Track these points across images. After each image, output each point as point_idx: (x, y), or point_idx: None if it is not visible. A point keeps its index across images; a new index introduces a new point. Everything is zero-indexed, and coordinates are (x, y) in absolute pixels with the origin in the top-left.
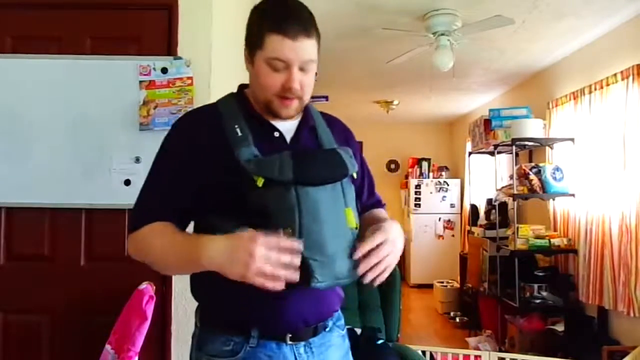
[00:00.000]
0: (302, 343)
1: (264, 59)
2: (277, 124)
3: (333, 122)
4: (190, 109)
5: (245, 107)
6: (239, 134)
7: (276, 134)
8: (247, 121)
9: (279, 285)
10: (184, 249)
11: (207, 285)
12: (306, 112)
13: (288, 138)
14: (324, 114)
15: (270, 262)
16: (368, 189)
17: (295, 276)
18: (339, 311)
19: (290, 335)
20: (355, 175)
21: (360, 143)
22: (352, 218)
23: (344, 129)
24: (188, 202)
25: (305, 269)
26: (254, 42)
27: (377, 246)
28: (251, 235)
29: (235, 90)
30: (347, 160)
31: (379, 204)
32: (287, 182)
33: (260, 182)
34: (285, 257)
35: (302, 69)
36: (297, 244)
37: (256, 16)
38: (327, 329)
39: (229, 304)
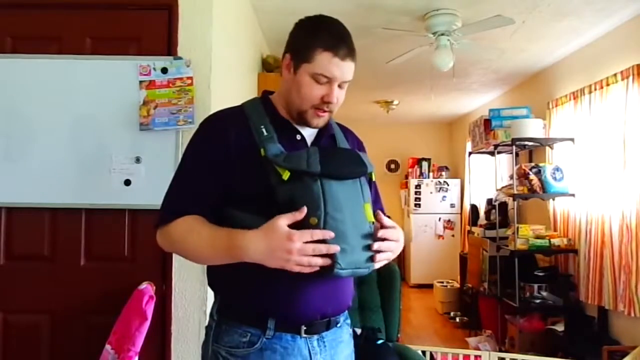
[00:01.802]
0: (316, 337)
1: (310, 73)
2: (300, 128)
3: (347, 132)
4: (190, 108)
5: (271, 111)
6: (265, 133)
7: (298, 137)
8: (272, 123)
9: (315, 269)
10: (222, 244)
11: (226, 277)
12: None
13: (309, 142)
14: (339, 124)
15: (307, 253)
16: (375, 196)
17: (328, 261)
18: (347, 311)
19: (305, 328)
20: (373, 176)
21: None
22: (370, 213)
23: (357, 139)
24: (217, 196)
25: (328, 256)
26: (302, 55)
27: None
28: (288, 234)
29: (233, 89)
30: (366, 160)
31: (382, 212)
32: (314, 174)
33: (286, 175)
34: (321, 247)
35: (340, 86)
36: (330, 233)
37: (307, 31)
38: (339, 325)
39: (247, 296)
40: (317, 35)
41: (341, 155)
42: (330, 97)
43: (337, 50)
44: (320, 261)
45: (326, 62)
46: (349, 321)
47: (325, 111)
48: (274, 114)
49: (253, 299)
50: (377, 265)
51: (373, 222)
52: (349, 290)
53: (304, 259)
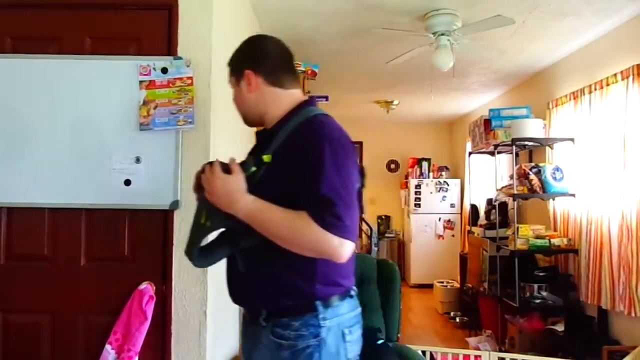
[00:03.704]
0: (247, 326)
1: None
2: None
3: (297, 130)
4: (190, 108)
5: None
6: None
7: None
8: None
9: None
10: None
11: None
12: (282, 120)
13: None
14: (303, 122)
15: None
16: (301, 191)
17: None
18: (290, 316)
19: (242, 312)
20: (265, 159)
21: (360, 143)
22: (203, 216)
23: (298, 140)
24: None
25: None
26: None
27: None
28: None
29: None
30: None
31: (305, 209)
32: None
33: None
34: None
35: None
36: None
37: None
38: (258, 324)
39: None
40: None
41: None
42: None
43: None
44: None
45: None
46: (283, 331)
47: None
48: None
49: None
50: (203, 222)
51: (203, 223)
52: (257, 291)
53: None
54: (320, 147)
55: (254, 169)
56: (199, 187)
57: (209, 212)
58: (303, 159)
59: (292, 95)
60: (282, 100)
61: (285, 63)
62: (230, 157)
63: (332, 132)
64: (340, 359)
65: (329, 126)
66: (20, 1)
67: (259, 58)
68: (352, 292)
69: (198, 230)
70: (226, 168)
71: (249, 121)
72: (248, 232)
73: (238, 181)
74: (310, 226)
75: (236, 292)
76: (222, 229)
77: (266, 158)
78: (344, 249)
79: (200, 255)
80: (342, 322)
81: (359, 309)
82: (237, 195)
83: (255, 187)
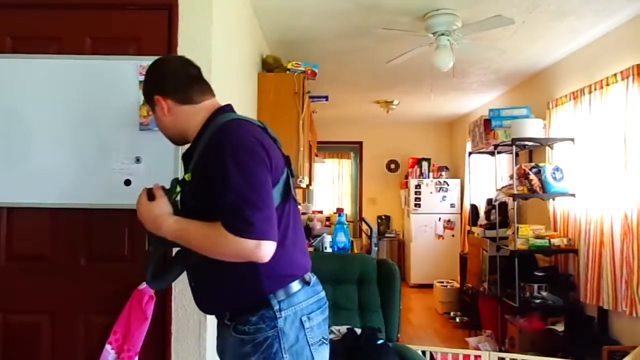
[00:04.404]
0: (218, 324)
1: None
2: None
3: (209, 138)
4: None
5: None
6: None
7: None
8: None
9: None
10: None
11: None
12: (199, 133)
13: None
14: (215, 130)
15: None
16: (215, 201)
17: None
18: (247, 312)
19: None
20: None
21: (360, 143)
22: (147, 243)
23: (207, 150)
24: None
25: None
26: None
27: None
28: None
29: (233, 89)
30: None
31: (221, 218)
32: None
33: None
34: None
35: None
36: None
37: None
38: (227, 324)
39: None
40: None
41: None
42: None
43: None
44: None
45: None
46: (243, 327)
47: None
48: None
49: None
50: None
51: (148, 249)
52: (211, 300)
53: None
54: (223, 155)
55: (178, 189)
56: None
57: (149, 237)
58: (211, 170)
59: (205, 107)
60: (196, 115)
61: (188, 79)
62: (155, 184)
63: (235, 136)
64: (301, 346)
65: (233, 131)
66: (20, 1)
67: (162, 82)
68: (308, 279)
69: (147, 255)
70: (151, 194)
71: (175, 141)
72: (189, 251)
73: (160, 206)
74: (225, 236)
75: (198, 303)
76: (171, 250)
77: (187, 177)
78: (262, 249)
79: (154, 278)
80: (299, 310)
81: (321, 294)
82: (161, 220)
83: (181, 206)
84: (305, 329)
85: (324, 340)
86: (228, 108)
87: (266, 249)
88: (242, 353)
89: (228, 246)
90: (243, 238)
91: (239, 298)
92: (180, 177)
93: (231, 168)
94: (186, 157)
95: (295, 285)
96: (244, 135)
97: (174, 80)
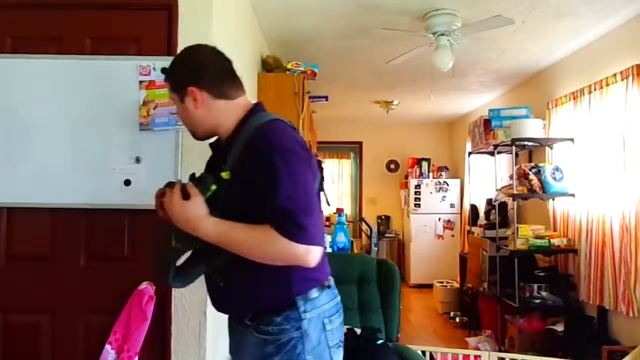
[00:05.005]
0: (232, 324)
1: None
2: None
3: (250, 140)
4: None
5: None
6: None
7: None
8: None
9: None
10: None
11: None
12: (234, 131)
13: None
14: (255, 130)
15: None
16: (263, 202)
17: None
18: (272, 313)
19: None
20: (225, 176)
21: (360, 143)
22: (174, 240)
23: (251, 150)
24: None
25: None
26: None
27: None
28: None
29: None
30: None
31: (269, 220)
32: None
33: None
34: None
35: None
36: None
37: None
38: (243, 322)
39: None
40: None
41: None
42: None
43: None
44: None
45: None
46: (267, 327)
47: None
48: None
49: None
50: (172, 244)
51: (174, 246)
52: (238, 302)
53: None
54: (272, 159)
55: (214, 187)
56: (162, 209)
57: (178, 234)
58: (257, 172)
59: (240, 105)
60: (231, 112)
61: (223, 71)
62: (190, 174)
63: (282, 139)
64: (322, 348)
65: (278, 133)
66: (20, 1)
67: (198, 72)
68: (329, 283)
69: (170, 252)
70: (185, 192)
71: (198, 136)
72: (220, 251)
73: (196, 208)
74: (276, 239)
75: (219, 304)
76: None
77: (225, 175)
78: (312, 255)
79: (176, 277)
80: (321, 312)
81: (338, 298)
82: (197, 223)
83: (216, 205)
84: (326, 331)
85: (340, 343)
86: (261, 107)
87: (315, 255)
88: (264, 353)
89: (279, 250)
90: (295, 243)
91: (268, 299)
92: (203, 175)
93: (281, 170)
94: (218, 150)
95: (320, 288)
96: (290, 137)
97: (209, 71)
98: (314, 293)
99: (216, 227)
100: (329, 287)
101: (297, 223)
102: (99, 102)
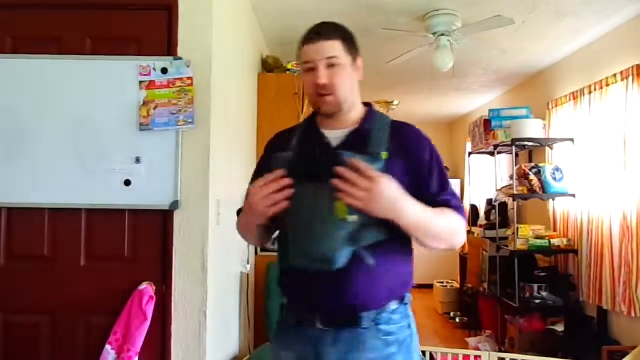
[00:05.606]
0: (331, 330)
1: (302, 68)
2: (329, 132)
3: (399, 129)
4: (189, 109)
5: (310, 121)
6: (283, 143)
7: (325, 140)
8: (304, 132)
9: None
10: None
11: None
12: (365, 119)
13: (335, 143)
14: (396, 122)
15: (259, 196)
16: (429, 187)
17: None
18: (390, 310)
19: (320, 319)
20: (383, 155)
21: None
22: (341, 210)
23: (410, 137)
24: None
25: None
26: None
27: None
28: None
29: (233, 90)
30: (361, 158)
31: (445, 203)
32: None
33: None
34: (270, 187)
35: (330, 66)
36: (279, 172)
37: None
38: (359, 325)
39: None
40: (299, 41)
41: (315, 160)
42: (317, 78)
43: (305, 38)
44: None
45: (303, 52)
46: (388, 327)
47: (323, 94)
48: (310, 123)
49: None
50: (345, 216)
51: (345, 219)
52: (385, 285)
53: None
54: (431, 148)
55: (379, 165)
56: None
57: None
58: (424, 158)
59: None
60: (358, 93)
61: None
62: (340, 152)
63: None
64: (417, 343)
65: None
66: (20, 1)
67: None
68: None
69: (337, 227)
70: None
71: (335, 102)
72: (375, 228)
73: (396, 186)
74: (461, 221)
75: (355, 289)
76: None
77: (384, 155)
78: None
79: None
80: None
81: None
82: (403, 202)
83: None
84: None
85: None
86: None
87: None
88: (384, 355)
89: (463, 234)
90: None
91: (404, 287)
92: (350, 155)
93: (440, 162)
94: (354, 134)
95: None
96: None
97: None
98: None
99: (423, 212)
100: None
101: (462, 207)
102: (99, 102)
